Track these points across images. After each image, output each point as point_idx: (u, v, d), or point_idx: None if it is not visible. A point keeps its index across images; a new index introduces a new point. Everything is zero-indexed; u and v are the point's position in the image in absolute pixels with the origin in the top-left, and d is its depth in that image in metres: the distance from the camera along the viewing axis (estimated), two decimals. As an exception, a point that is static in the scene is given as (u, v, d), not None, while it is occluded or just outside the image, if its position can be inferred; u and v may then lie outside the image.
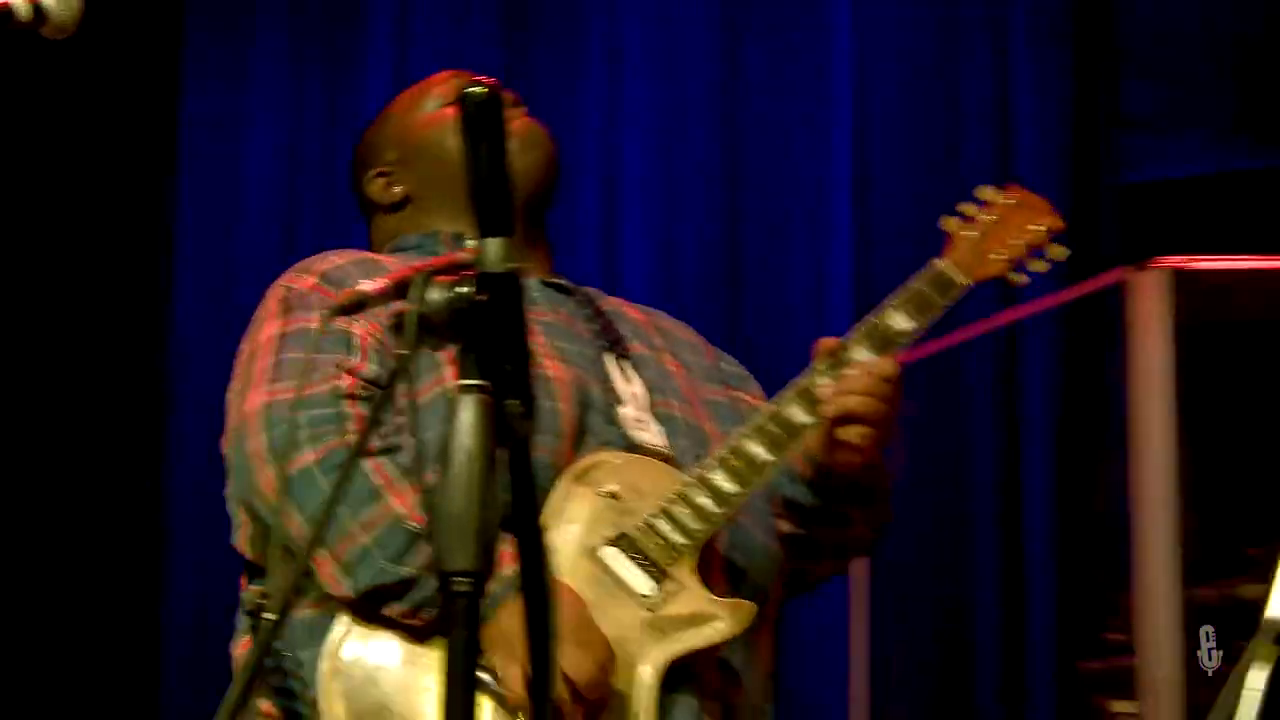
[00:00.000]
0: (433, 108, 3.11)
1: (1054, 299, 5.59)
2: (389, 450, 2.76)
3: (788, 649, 4.36)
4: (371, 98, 6.67)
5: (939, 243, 5.10)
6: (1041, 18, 6.50)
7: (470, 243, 2.01)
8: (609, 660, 2.60)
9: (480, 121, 2.02)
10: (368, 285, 2.32)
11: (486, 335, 1.99)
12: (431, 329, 2.02)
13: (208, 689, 6.40)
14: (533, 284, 2.93)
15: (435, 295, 2.01)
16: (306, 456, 2.73)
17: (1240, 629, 4.79)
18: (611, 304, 3.15)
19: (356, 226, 6.28)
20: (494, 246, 1.98)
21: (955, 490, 6.30)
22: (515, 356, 2.01)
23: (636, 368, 2.94)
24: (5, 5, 2.61)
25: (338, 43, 7.06)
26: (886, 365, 2.72)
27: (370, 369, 2.84)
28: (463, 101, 2.04)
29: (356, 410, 2.79)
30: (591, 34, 6.88)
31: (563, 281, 3.03)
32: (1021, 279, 2.99)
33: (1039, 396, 6.22)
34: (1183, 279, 4.53)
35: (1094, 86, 6.43)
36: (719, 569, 2.76)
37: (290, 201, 6.97)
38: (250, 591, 2.76)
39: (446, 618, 2.28)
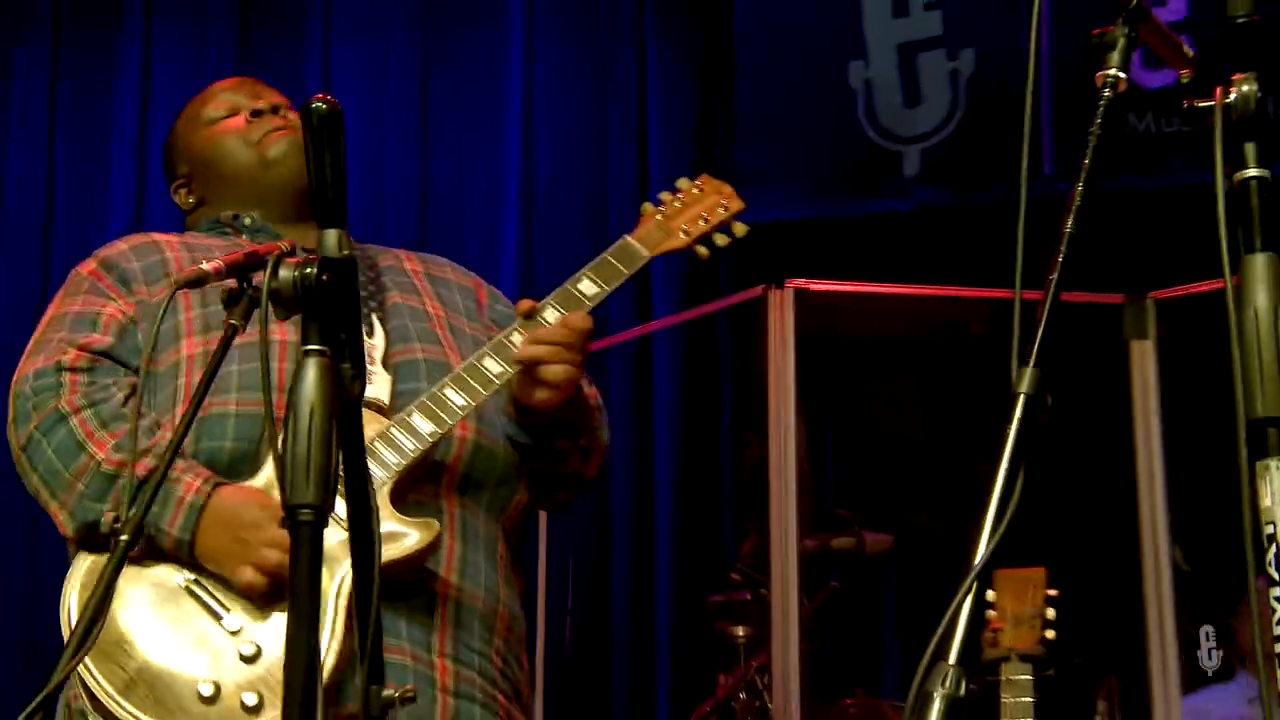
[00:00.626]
0: (208, 121, 3.01)
1: (710, 306, 5.61)
2: (94, 404, 2.70)
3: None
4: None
5: (593, 243, 5.16)
6: (676, 99, 6.54)
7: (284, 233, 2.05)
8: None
9: (322, 133, 2.03)
10: (207, 266, 2.36)
11: (326, 309, 1.98)
12: (280, 302, 2.01)
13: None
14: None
15: (284, 274, 2.00)
16: (32, 423, 2.71)
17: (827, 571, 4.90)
18: (392, 258, 3.05)
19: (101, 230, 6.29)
20: (332, 237, 2.00)
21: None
22: (349, 328, 2.01)
23: (385, 319, 2.84)
24: None
25: (85, 73, 6.83)
26: (574, 318, 2.67)
27: (106, 342, 2.79)
28: (306, 115, 2.05)
29: (74, 378, 2.74)
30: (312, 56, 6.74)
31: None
32: (703, 252, 2.95)
33: (671, 386, 6.21)
34: (800, 295, 4.55)
35: (711, 147, 6.44)
36: (452, 487, 2.72)
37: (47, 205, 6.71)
38: (106, 518, 2.61)
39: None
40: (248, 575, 2.54)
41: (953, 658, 1.77)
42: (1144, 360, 4.50)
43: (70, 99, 6.75)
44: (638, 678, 5.92)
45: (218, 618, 2.59)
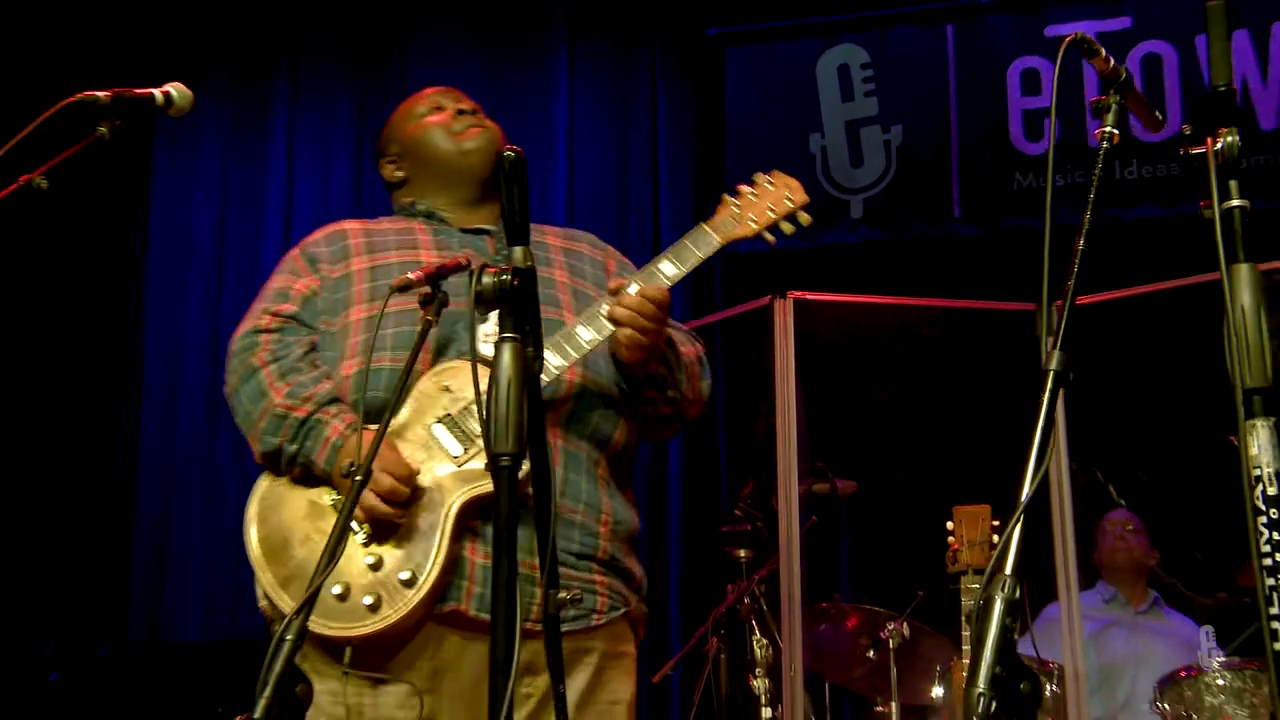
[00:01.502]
0: (418, 115, 2.89)
1: (731, 311, 5.51)
2: (277, 360, 2.65)
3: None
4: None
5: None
6: (682, 157, 6.45)
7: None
8: (410, 483, 2.47)
9: (512, 174, 2.03)
10: (412, 275, 2.38)
11: (517, 306, 1.97)
12: (482, 301, 1.98)
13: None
14: (453, 233, 2.78)
15: (486, 280, 1.98)
16: (236, 375, 2.68)
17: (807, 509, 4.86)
18: (538, 234, 2.86)
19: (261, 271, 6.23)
20: (519, 252, 2.00)
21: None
22: (533, 320, 1.99)
23: None
24: (150, 94, 2.54)
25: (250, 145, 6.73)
26: (651, 290, 2.53)
27: (292, 309, 2.72)
28: (501, 161, 2.05)
29: (266, 338, 2.69)
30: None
31: (486, 226, 2.79)
32: (770, 239, 2.74)
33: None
34: (799, 303, 4.49)
35: (706, 194, 6.39)
36: (557, 422, 2.59)
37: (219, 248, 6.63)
38: (289, 449, 2.57)
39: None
40: (367, 498, 2.45)
41: (1008, 569, 1.74)
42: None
43: (237, 167, 6.68)
44: (655, 590, 5.91)
45: (353, 532, 2.51)
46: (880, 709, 4.61)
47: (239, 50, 6.71)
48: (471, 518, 2.50)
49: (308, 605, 1.99)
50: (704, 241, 2.67)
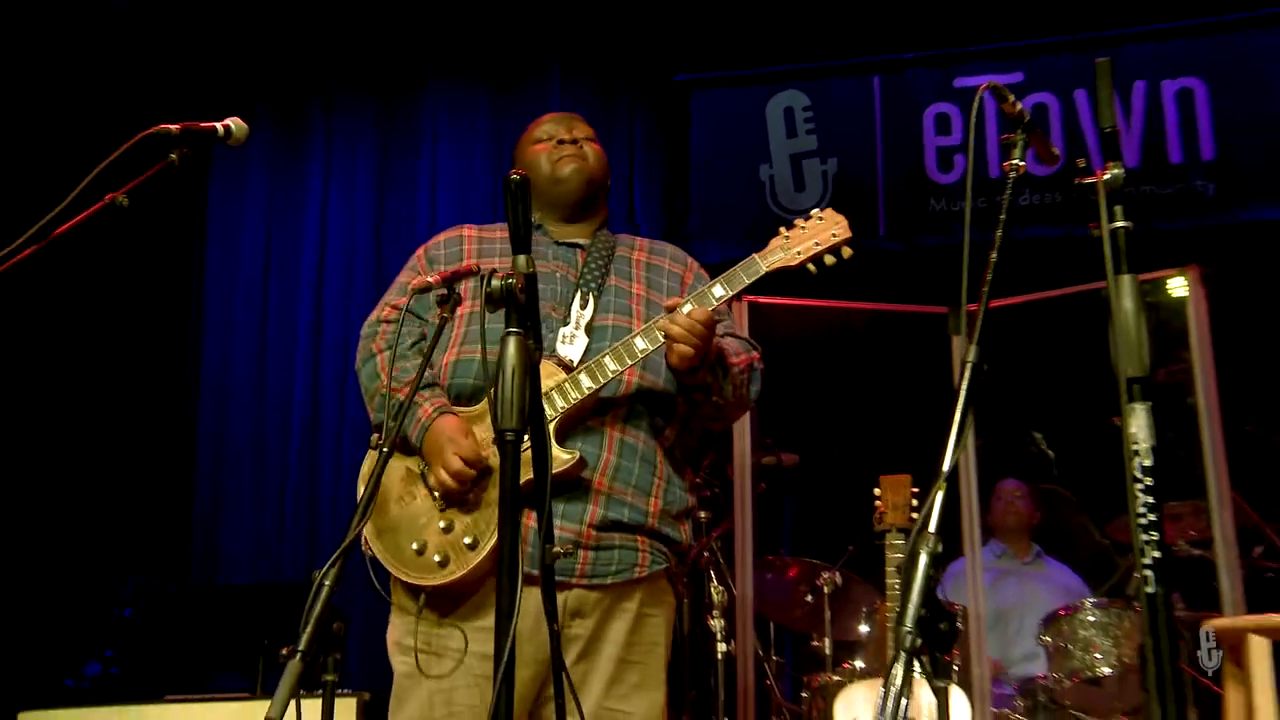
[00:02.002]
0: (533, 141, 2.87)
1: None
2: (390, 347, 2.68)
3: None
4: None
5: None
6: (653, 186, 6.40)
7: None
8: (478, 465, 2.48)
9: (515, 193, 2.00)
10: (431, 278, 2.33)
11: (520, 305, 1.95)
12: (491, 300, 1.95)
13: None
14: (550, 244, 2.76)
15: (495, 284, 1.96)
16: (361, 357, 2.73)
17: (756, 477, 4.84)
18: (627, 248, 2.81)
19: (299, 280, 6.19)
20: (522, 260, 1.98)
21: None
22: (534, 318, 1.97)
23: (599, 296, 2.68)
24: (213, 127, 2.55)
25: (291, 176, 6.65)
26: (698, 313, 2.47)
27: (405, 301, 2.71)
28: (506, 183, 2.02)
29: (385, 328, 2.72)
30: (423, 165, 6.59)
31: (578, 240, 2.77)
32: (813, 269, 2.60)
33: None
34: (753, 306, 4.48)
35: (674, 216, 6.38)
36: (617, 416, 2.58)
37: (265, 256, 6.55)
38: (374, 438, 2.60)
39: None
40: (440, 474, 2.49)
41: (932, 527, 1.74)
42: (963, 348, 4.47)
43: (281, 195, 6.62)
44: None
45: (434, 498, 2.54)
46: (816, 643, 4.62)
47: (281, 91, 6.64)
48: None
49: (343, 554, 1.99)
50: (752, 270, 2.60)
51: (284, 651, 1.87)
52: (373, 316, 2.78)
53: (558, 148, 2.80)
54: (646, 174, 6.40)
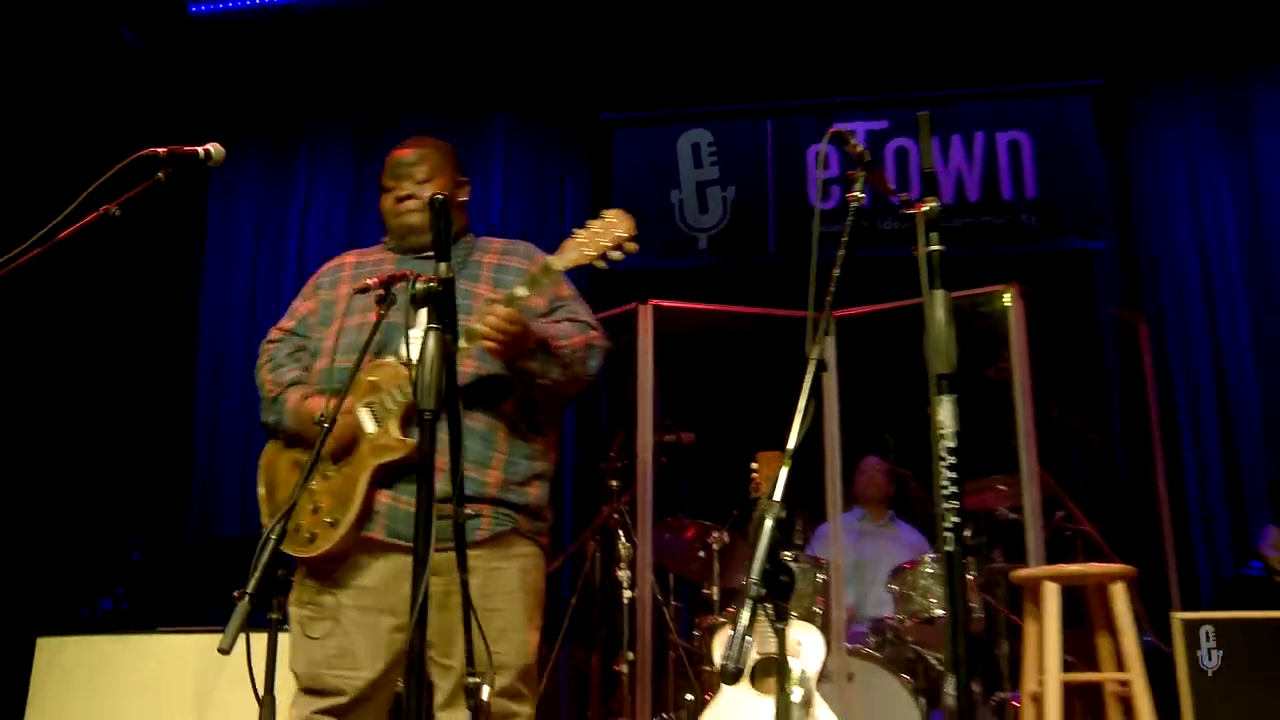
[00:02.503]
0: (383, 180, 2.74)
1: (606, 313, 5.44)
2: (271, 359, 2.67)
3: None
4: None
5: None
6: (581, 209, 6.37)
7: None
8: (351, 445, 2.45)
9: (439, 212, 2.00)
10: (370, 282, 2.31)
11: (440, 305, 1.93)
12: (416, 301, 1.94)
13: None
14: (397, 261, 2.64)
15: (420, 286, 1.95)
16: (256, 371, 2.72)
17: (659, 453, 4.82)
18: (480, 252, 2.68)
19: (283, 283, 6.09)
20: (443, 267, 1.96)
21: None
22: (451, 316, 1.95)
23: None
24: (195, 150, 2.47)
25: (277, 194, 6.55)
26: (504, 312, 2.36)
27: (289, 324, 2.70)
28: (429, 201, 2.03)
29: (271, 346, 2.70)
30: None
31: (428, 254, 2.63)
32: (602, 264, 2.42)
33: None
34: (657, 309, 4.46)
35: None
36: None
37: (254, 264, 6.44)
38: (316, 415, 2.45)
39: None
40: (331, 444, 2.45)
41: (777, 496, 1.74)
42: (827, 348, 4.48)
43: (270, 210, 6.51)
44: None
45: (309, 490, 2.49)
46: (706, 591, 4.63)
47: (273, 121, 6.55)
48: (383, 474, 2.43)
49: (285, 516, 1.98)
50: (547, 269, 2.45)
51: (235, 594, 1.85)
52: (267, 336, 2.73)
53: (398, 204, 2.68)
54: (576, 196, 6.38)
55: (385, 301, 2.28)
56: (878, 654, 4.35)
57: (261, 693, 1.88)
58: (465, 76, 6.45)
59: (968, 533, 4.74)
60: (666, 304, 4.39)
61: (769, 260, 6.13)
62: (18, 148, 5.26)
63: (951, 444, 1.69)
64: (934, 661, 4.39)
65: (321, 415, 2.19)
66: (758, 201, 6.23)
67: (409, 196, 2.67)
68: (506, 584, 2.49)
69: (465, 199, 2.77)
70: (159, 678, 3.33)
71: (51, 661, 3.44)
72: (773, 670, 3.50)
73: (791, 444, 1.79)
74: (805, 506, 4.69)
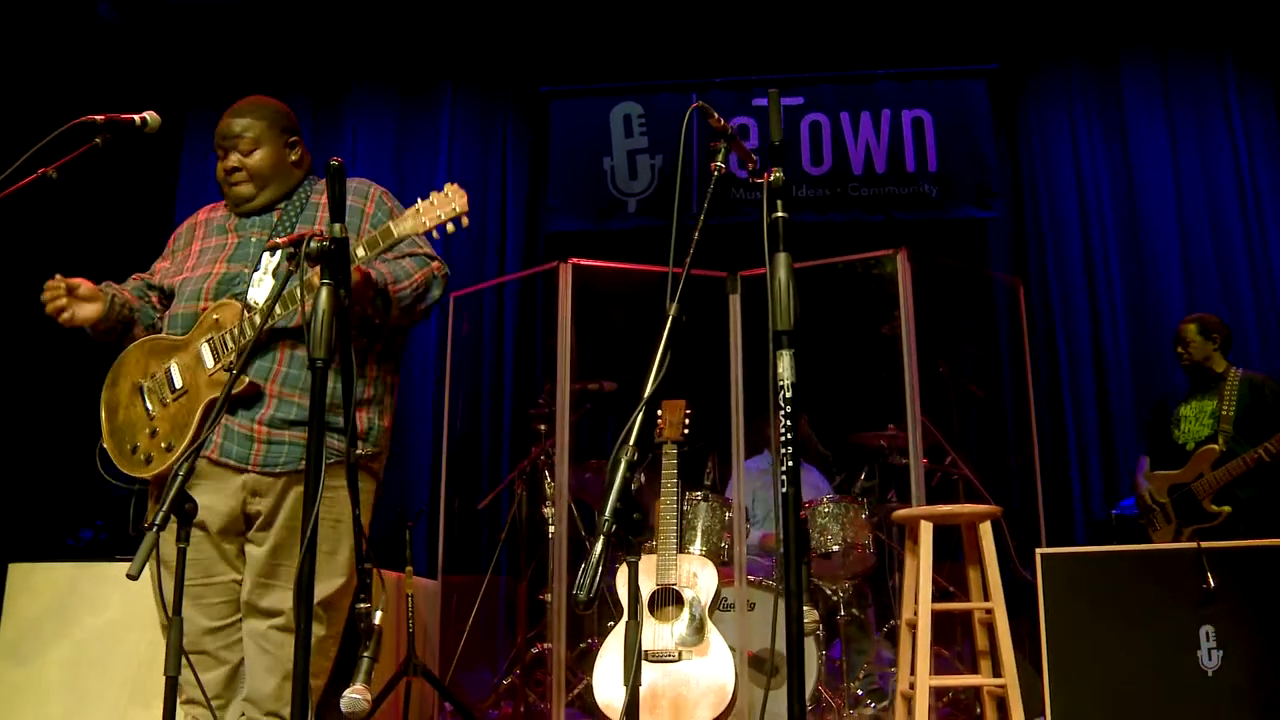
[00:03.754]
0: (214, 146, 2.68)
1: (528, 271, 5.46)
2: (129, 289, 2.69)
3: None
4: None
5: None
6: (520, 175, 6.29)
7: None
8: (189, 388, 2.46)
9: (334, 176, 1.99)
10: (280, 241, 2.20)
11: (334, 261, 1.94)
12: (311, 259, 1.95)
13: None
14: (238, 221, 2.63)
15: (314, 244, 1.96)
16: None
17: (583, 400, 4.82)
18: (319, 192, 2.65)
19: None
20: (337, 227, 1.96)
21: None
22: (344, 272, 1.95)
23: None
24: (131, 118, 2.47)
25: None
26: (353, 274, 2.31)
27: (145, 276, 2.71)
28: (325, 167, 2.01)
29: (132, 281, 2.71)
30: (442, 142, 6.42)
31: (275, 204, 2.62)
32: (435, 235, 2.38)
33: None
34: (576, 268, 4.42)
35: (538, 196, 6.31)
36: (286, 337, 2.46)
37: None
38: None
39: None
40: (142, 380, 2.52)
41: (632, 440, 1.76)
42: (736, 305, 4.49)
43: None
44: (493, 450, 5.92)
45: (147, 411, 2.50)
46: (624, 526, 4.66)
47: (222, 93, 6.41)
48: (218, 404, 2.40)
49: (194, 451, 1.98)
50: (386, 234, 2.41)
51: (144, 525, 1.85)
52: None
53: (227, 175, 2.63)
54: (517, 162, 6.32)
55: (295, 259, 2.25)
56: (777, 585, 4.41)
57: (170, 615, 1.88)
58: (416, 47, 6.35)
59: (862, 475, 4.83)
60: (585, 263, 4.39)
61: (690, 224, 6.10)
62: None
63: (789, 394, 1.72)
64: (829, 593, 4.48)
65: (232, 364, 2.18)
66: (683, 167, 6.16)
67: (236, 169, 2.62)
68: (336, 512, 2.46)
69: (296, 157, 2.69)
70: (116, 602, 3.36)
71: (22, 585, 3.44)
72: (669, 600, 3.55)
73: (647, 392, 1.80)
74: (717, 450, 4.73)
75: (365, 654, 1.94)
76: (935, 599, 3.36)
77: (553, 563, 4.27)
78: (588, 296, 4.55)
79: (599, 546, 1.67)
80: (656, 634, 3.44)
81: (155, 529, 1.82)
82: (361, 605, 1.99)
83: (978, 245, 5.90)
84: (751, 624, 4.18)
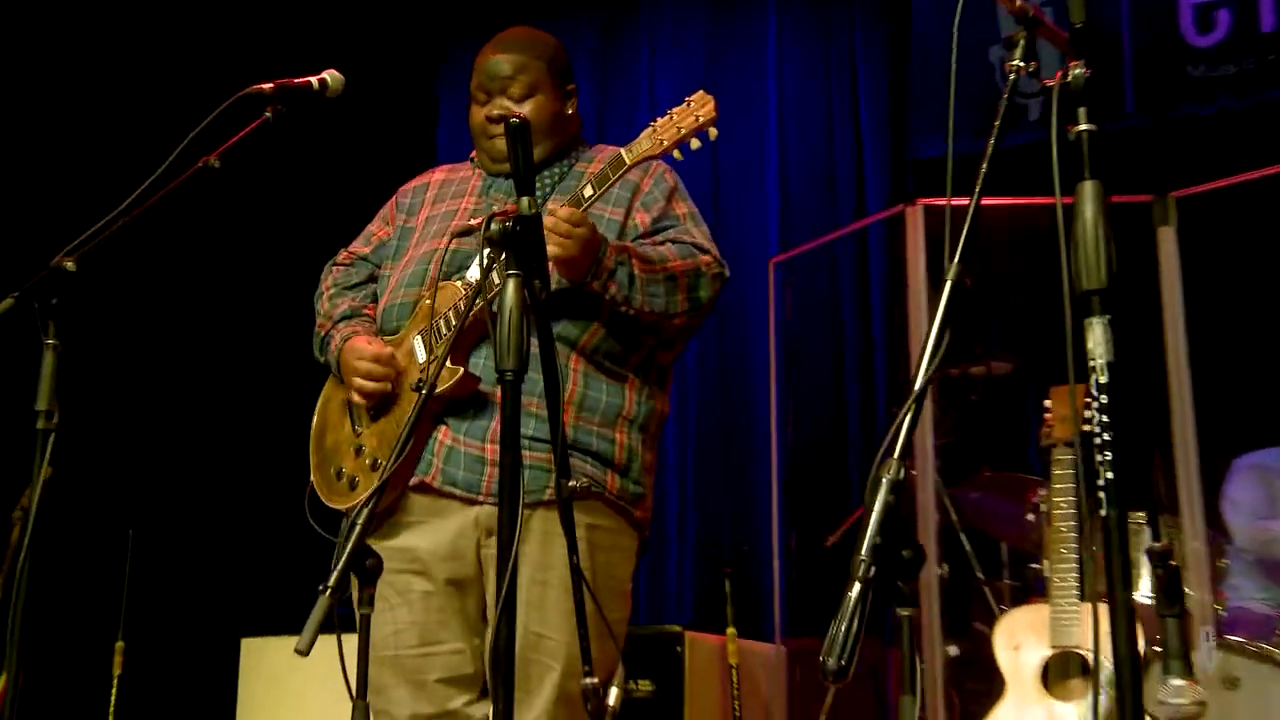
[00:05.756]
0: (472, 91, 2.88)
1: (868, 220, 5.50)
2: (336, 284, 2.91)
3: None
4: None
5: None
6: (879, 87, 6.33)
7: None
8: (384, 361, 2.65)
9: (516, 137, 2.11)
10: (473, 223, 2.38)
11: (521, 247, 2.05)
12: (491, 243, 2.06)
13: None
14: (491, 181, 2.84)
15: (495, 226, 2.07)
16: (316, 295, 2.98)
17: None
18: (586, 162, 2.83)
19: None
20: (525, 201, 2.08)
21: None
22: (538, 259, 2.08)
23: None
24: (307, 82, 2.68)
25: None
26: (564, 212, 2.47)
27: (360, 249, 2.95)
28: (505, 125, 2.18)
29: (335, 268, 2.95)
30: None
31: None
32: (678, 155, 2.52)
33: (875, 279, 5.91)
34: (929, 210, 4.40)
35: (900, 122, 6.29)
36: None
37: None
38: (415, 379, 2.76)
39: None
40: (354, 384, 2.69)
41: (896, 454, 1.70)
42: (1169, 240, 4.24)
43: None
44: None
45: (353, 425, 2.73)
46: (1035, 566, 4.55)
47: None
48: (438, 408, 2.59)
49: (376, 494, 2.10)
50: (617, 164, 2.55)
51: (319, 588, 1.97)
52: (335, 258, 2.98)
53: (489, 124, 2.78)
54: (871, 74, 6.31)
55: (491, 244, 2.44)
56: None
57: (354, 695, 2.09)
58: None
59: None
60: (941, 202, 4.31)
61: (1128, 126, 5.78)
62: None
63: (1105, 377, 1.68)
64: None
65: (420, 380, 2.40)
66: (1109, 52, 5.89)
67: (504, 118, 2.70)
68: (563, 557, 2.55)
69: (573, 109, 2.88)
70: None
71: (257, 662, 3.99)
72: (1070, 669, 3.46)
73: (918, 384, 1.77)
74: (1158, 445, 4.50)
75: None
76: None
77: (926, 615, 4.26)
78: (936, 251, 4.44)
79: (853, 595, 1.66)
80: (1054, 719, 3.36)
81: (330, 592, 1.97)
82: (589, 681, 2.13)
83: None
84: (1232, 710, 3.82)
